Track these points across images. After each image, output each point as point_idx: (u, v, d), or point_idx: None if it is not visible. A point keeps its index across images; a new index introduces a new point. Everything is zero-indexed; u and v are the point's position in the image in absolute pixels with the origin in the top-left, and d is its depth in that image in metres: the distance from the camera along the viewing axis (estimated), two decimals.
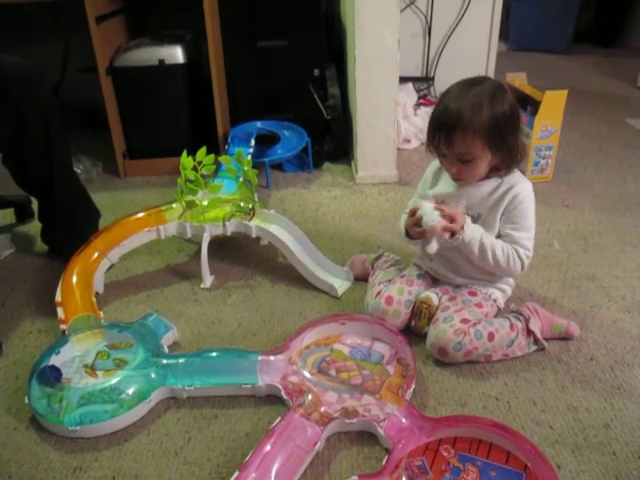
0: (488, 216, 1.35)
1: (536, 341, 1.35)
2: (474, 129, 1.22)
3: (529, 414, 1.19)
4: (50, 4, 2.16)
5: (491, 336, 1.30)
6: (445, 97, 1.28)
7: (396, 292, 1.41)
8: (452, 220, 1.27)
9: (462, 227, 1.28)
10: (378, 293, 1.42)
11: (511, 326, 1.33)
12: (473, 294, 1.39)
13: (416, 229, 1.32)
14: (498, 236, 1.35)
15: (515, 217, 1.33)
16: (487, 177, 1.34)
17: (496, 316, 1.40)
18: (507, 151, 1.28)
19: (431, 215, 1.27)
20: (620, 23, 4.42)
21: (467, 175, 1.31)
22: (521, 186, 1.33)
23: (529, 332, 1.34)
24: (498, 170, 1.32)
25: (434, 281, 1.48)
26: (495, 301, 1.41)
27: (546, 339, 1.36)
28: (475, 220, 1.35)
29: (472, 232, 1.29)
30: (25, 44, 1.60)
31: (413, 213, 1.32)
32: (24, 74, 1.53)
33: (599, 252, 1.75)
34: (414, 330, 1.40)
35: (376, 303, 1.41)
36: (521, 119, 1.32)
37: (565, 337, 1.39)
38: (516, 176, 1.34)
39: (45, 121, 1.56)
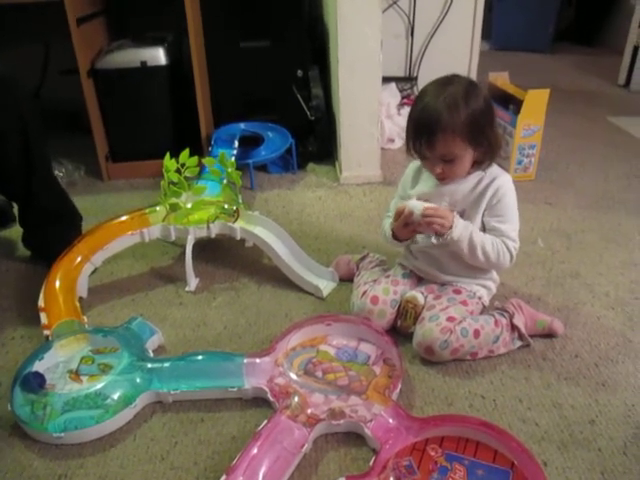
0: (471, 211, 1.36)
1: (520, 336, 1.36)
2: (454, 130, 1.23)
3: (515, 412, 1.19)
4: (29, 5, 2.14)
5: (477, 333, 1.30)
6: (420, 100, 1.29)
7: (381, 292, 1.41)
8: (442, 215, 1.29)
9: (451, 226, 1.28)
10: (364, 293, 1.42)
11: (496, 322, 1.34)
12: (458, 292, 1.40)
13: (405, 229, 1.33)
14: (483, 230, 1.36)
15: (499, 210, 1.34)
16: (469, 172, 1.35)
17: (481, 313, 1.40)
18: (487, 144, 1.29)
19: (421, 208, 1.28)
20: (600, 22, 4.46)
21: (451, 174, 1.32)
22: (502, 179, 1.34)
23: (513, 328, 1.35)
24: (480, 164, 1.33)
25: (419, 280, 1.48)
26: (480, 299, 1.42)
27: (530, 335, 1.37)
28: (460, 216, 1.35)
29: (461, 230, 1.30)
30: (4, 47, 1.58)
31: (398, 215, 1.32)
32: (2, 76, 1.51)
33: (582, 249, 1.77)
34: (400, 330, 1.40)
35: (362, 303, 1.41)
36: (495, 110, 1.34)
37: (549, 334, 1.39)
38: (495, 169, 1.36)
39: (23, 127, 1.54)
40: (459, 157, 1.28)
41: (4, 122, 1.52)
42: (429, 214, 1.27)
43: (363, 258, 1.61)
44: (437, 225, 1.27)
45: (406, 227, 1.33)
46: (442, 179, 1.34)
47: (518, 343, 1.36)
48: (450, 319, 1.30)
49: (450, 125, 1.23)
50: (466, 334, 1.29)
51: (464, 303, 1.37)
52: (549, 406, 1.20)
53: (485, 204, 1.34)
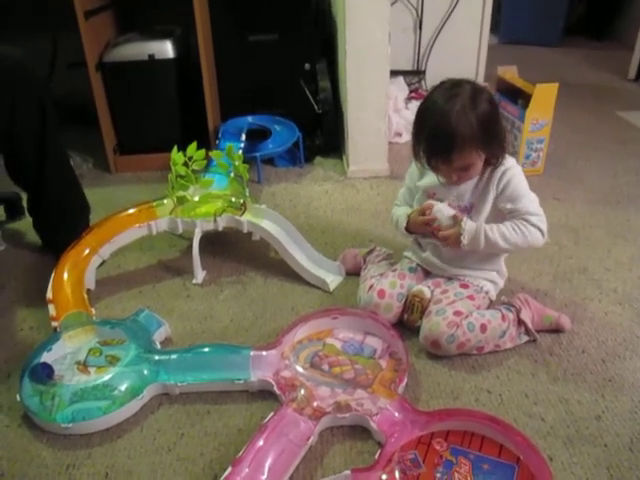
0: (479, 203, 1.35)
1: (527, 331, 1.36)
2: (470, 144, 1.24)
3: (521, 407, 1.19)
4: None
5: (483, 328, 1.30)
6: (430, 112, 1.27)
7: (388, 285, 1.41)
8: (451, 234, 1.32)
9: (460, 241, 1.31)
10: (370, 287, 1.42)
11: (502, 317, 1.34)
12: (465, 287, 1.40)
13: (423, 227, 1.37)
14: (501, 218, 1.35)
15: (511, 193, 1.32)
16: (485, 167, 1.34)
17: (488, 308, 1.40)
18: (496, 144, 1.29)
19: (446, 216, 1.33)
20: (611, 16, 4.42)
21: (466, 178, 1.33)
22: (505, 165, 1.33)
23: (520, 322, 1.35)
24: (491, 161, 1.32)
25: (426, 274, 1.48)
26: (487, 293, 1.41)
27: (537, 331, 1.37)
28: (468, 211, 1.35)
29: (471, 236, 1.31)
30: (12, 40, 1.59)
31: (423, 212, 1.36)
32: (20, 63, 1.53)
33: (590, 245, 1.76)
34: (407, 324, 1.40)
35: (368, 297, 1.41)
36: (498, 105, 1.32)
37: (556, 329, 1.39)
38: None
39: (41, 113, 1.57)
40: (473, 164, 1.29)
41: (24, 107, 1.54)
42: (439, 234, 1.33)
43: (370, 252, 1.61)
44: (448, 240, 1.33)
45: (424, 226, 1.35)
46: (457, 184, 1.35)
47: (525, 338, 1.36)
48: (457, 313, 1.30)
49: (467, 141, 1.23)
50: (473, 328, 1.29)
51: (471, 298, 1.37)
52: (555, 401, 1.20)
53: (494, 193, 1.34)
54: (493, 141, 1.27)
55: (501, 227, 1.32)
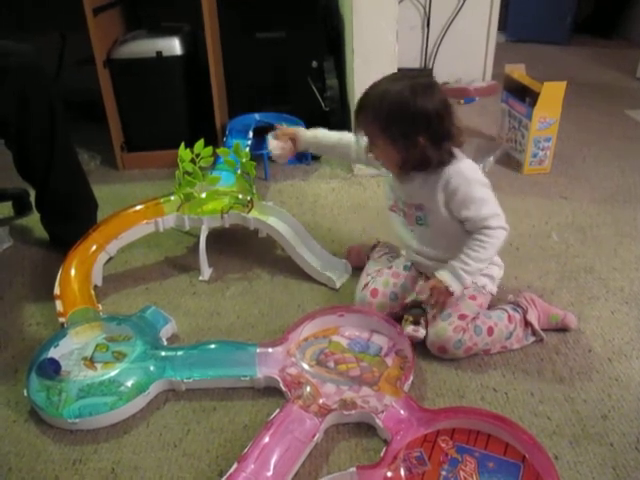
0: (429, 203, 1.31)
1: (534, 332, 1.35)
2: (374, 115, 1.23)
3: (527, 405, 1.19)
4: None
5: (490, 330, 1.30)
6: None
7: (382, 285, 1.41)
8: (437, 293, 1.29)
9: (450, 292, 1.28)
10: (365, 285, 1.43)
11: (509, 318, 1.33)
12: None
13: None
14: (458, 221, 1.31)
15: (462, 200, 1.27)
16: (417, 170, 1.29)
17: (491, 306, 1.40)
18: (416, 152, 1.24)
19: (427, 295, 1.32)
20: (619, 14, 4.40)
21: (383, 161, 1.32)
22: (450, 171, 1.27)
23: (527, 323, 1.35)
24: (425, 166, 1.27)
25: (420, 273, 1.46)
26: (485, 288, 1.39)
27: (543, 330, 1.36)
28: (420, 209, 1.33)
29: (457, 283, 1.27)
30: (21, 36, 1.60)
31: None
32: (31, 60, 1.55)
33: (597, 244, 1.75)
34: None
35: (362, 295, 1.42)
36: (445, 125, 1.23)
37: (562, 328, 1.39)
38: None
39: (50, 105, 1.58)
40: (378, 146, 1.27)
41: (34, 104, 1.55)
42: (430, 302, 1.31)
43: (373, 247, 1.62)
44: (442, 301, 1.30)
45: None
46: (377, 160, 1.34)
47: (531, 339, 1.36)
48: (462, 317, 1.30)
49: (371, 109, 1.23)
50: (480, 332, 1.29)
51: (472, 298, 1.35)
52: (561, 400, 1.20)
53: (442, 195, 1.28)
54: (408, 142, 1.22)
55: (470, 253, 1.27)
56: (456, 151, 1.28)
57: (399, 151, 1.25)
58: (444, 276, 1.28)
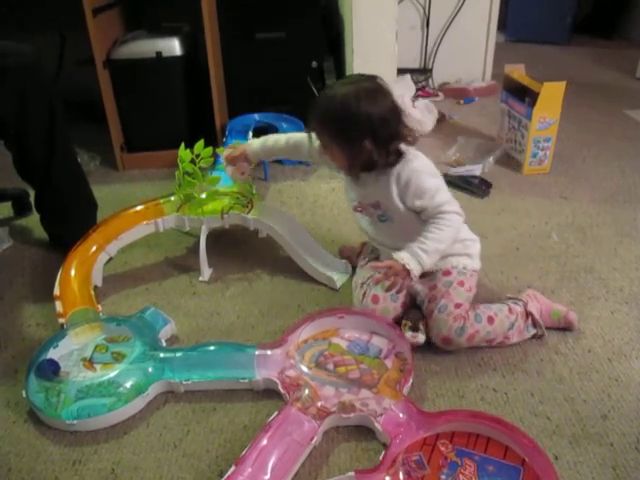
0: (384, 199, 1.33)
1: (534, 323, 1.36)
2: (322, 120, 1.26)
3: (527, 405, 1.19)
4: None
5: (490, 319, 1.31)
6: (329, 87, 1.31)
7: (380, 289, 1.38)
8: (393, 272, 1.27)
9: (408, 270, 1.25)
10: (364, 295, 1.41)
11: (510, 310, 1.35)
12: (448, 274, 1.38)
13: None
14: (415, 211, 1.32)
15: (415, 190, 1.29)
16: (365, 171, 1.32)
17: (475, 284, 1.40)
18: (363, 155, 1.26)
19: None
20: (619, 14, 4.40)
21: (335, 162, 1.33)
22: (399, 167, 1.29)
23: (527, 315, 1.36)
24: (372, 168, 1.30)
25: None
26: (466, 268, 1.39)
27: (546, 327, 1.37)
28: (378, 207, 1.35)
29: (416, 263, 1.26)
30: (21, 36, 1.60)
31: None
32: (31, 60, 1.55)
33: (597, 244, 1.75)
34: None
35: (365, 305, 1.40)
36: (390, 128, 1.25)
37: (564, 326, 1.39)
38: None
39: (51, 111, 1.58)
40: (327, 148, 1.30)
41: (34, 104, 1.55)
42: (384, 279, 1.29)
43: (358, 255, 1.62)
44: (398, 279, 1.27)
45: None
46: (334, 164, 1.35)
47: (532, 330, 1.36)
48: (457, 305, 1.31)
49: (320, 114, 1.26)
50: (480, 320, 1.30)
51: (461, 283, 1.36)
52: (561, 400, 1.20)
53: (395, 190, 1.31)
54: (353, 146, 1.25)
55: (426, 234, 1.27)
56: (407, 148, 1.30)
57: (346, 154, 1.28)
58: (401, 254, 1.27)
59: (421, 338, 1.33)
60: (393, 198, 1.31)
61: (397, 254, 1.27)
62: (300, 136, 1.51)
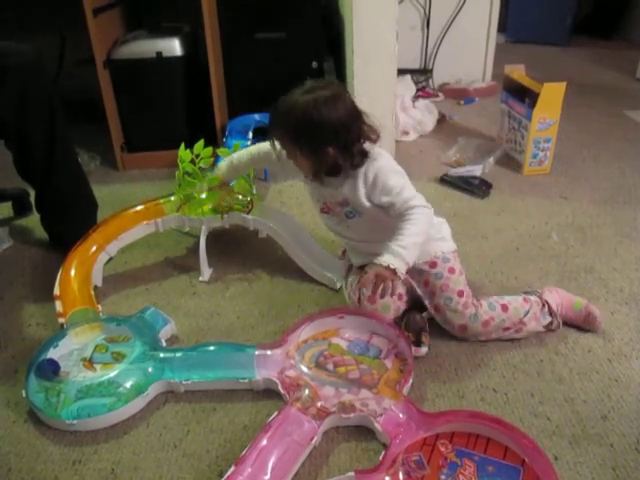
0: (352, 198, 1.34)
1: (550, 312, 1.37)
2: (283, 128, 1.28)
3: (527, 406, 1.19)
4: None
5: (504, 307, 1.34)
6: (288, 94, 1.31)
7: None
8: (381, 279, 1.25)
9: (394, 270, 1.23)
10: (359, 300, 1.40)
11: (524, 299, 1.37)
12: (434, 265, 1.37)
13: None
14: (382, 207, 1.32)
15: (382, 188, 1.30)
16: (330, 176, 1.33)
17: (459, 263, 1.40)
18: (327, 161, 1.27)
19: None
20: (619, 15, 4.40)
21: (300, 167, 1.34)
22: (364, 168, 1.31)
23: (543, 304, 1.37)
24: (337, 172, 1.32)
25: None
26: (445, 252, 1.39)
27: (569, 321, 1.39)
28: (346, 204, 1.36)
29: (399, 261, 1.24)
30: (21, 36, 1.60)
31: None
32: (31, 60, 1.55)
33: (597, 244, 1.75)
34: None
35: (364, 307, 1.39)
36: (352, 132, 1.26)
37: (586, 321, 1.39)
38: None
39: (50, 106, 1.58)
40: (291, 153, 1.31)
41: (35, 104, 1.55)
42: (373, 289, 1.27)
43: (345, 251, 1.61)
44: (388, 283, 1.25)
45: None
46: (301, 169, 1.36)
47: (548, 318, 1.37)
48: (460, 293, 1.34)
49: (281, 123, 1.28)
50: (494, 308, 1.33)
51: (451, 270, 1.37)
52: (561, 401, 1.20)
53: (363, 189, 1.31)
54: (316, 152, 1.26)
55: (401, 231, 1.26)
56: (371, 147, 1.31)
57: (311, 162, 1.29)
58: (382, 258, 1.25)
59: (424, 351, 1.34)
60: (360, 197, 1.32)
61: (378, 259, 1.25)
62: (265, 146, 1.53)
